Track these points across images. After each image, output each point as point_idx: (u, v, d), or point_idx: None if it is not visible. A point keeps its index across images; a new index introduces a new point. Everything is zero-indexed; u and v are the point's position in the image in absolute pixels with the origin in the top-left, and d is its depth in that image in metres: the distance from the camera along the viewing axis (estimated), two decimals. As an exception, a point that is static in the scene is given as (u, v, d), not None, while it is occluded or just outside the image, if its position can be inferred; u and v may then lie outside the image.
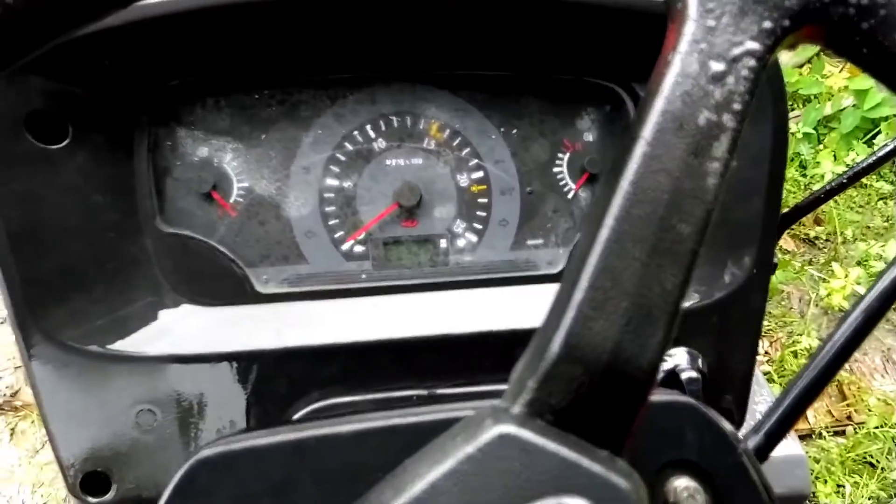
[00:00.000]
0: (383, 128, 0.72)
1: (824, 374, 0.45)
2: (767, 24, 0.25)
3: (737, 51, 0.24)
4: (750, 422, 0.79)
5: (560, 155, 0.75)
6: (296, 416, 0.64)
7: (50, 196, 0.60)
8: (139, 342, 0.62)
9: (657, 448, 0.38)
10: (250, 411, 0.65)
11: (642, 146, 0.24)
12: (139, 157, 0.66)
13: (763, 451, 0.46)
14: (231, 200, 0.70)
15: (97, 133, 0.62)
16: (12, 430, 2.11)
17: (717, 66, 0.24)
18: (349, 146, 0.72)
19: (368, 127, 0.72)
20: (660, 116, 0.24)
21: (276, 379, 0.65)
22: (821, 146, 2.76)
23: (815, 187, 2.58)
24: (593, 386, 0.24)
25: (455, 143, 0.73)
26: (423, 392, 0.66)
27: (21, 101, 0.56)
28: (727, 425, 0.39)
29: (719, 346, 0.69)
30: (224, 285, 0.69)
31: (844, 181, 0.69)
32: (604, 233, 0.24)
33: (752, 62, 0.24)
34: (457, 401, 0.66)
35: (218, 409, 0.64)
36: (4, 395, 2.11)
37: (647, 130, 0.24)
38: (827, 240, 2.62)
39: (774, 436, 0.46)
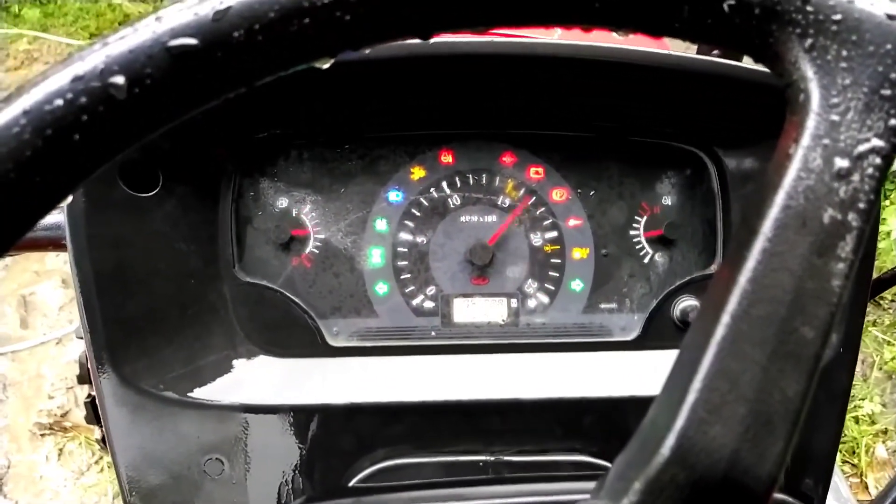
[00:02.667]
0: (459, 184, 0.73)
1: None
2: (894, 122, 0.23)
3: (862, 148, 0.23)
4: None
5: (637, 218, 0.73)
6: (361, 475, 0.63)
7: (138, 241, 0.62)
8: (213, 391, 0.62)
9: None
10: (315, 465, 0.64)
11: (762, 242, 0.23)
12: (223, 206, 0.67)
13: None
14: (307, 252, 0.71)
15: (185, 182, 0.64)
16: (60, 450, 2.15)
17: (841, 163, 0.23)
18: (424, 202, 0.72)
19: (444, 183, 0.72)
20: (781, 212, 0.23)
21: (342, 434, 0.64)
22: (886, 201, 2.66)
23: (881, 244, 2.48)
24: (706, 494, 0.22)
25: (530, 202, 0.73)
26: (490, 458, 0.65)
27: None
28: None
29: (802, 428, 0.65)
30: (296, 336, 0.69)
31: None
32: (720, 331, 0.23)
33: (877, 160, 0.23)
34: (524, 469, 0.65)
35: (283, 462, 0.64)
36: (55, 415, 2.16)
37: (768, 226, 0.23)
38: (893, 300, 2.51)
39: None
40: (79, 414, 2.13)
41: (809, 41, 0.24)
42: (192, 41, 0.24)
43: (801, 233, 0.23)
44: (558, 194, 0.73)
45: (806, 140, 0.23)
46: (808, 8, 0.24)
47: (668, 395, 0.24)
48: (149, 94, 0.24)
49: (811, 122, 0.24)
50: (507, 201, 0.73)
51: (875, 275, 0.72)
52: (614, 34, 0.32)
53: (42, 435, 2.18)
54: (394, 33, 0.27)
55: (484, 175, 0.73)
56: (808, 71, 0.25)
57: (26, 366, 2.31)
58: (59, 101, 0.22)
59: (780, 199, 0.23)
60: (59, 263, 2.43)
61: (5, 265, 2.46)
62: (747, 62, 0.66)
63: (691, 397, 0.22)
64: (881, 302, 2.53)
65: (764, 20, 0.25)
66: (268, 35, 0.24)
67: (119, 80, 0.23)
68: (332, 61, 0.28)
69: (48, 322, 2.39)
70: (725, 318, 0.22)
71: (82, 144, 0.23)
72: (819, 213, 0.23)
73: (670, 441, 0.22)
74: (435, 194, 0.72)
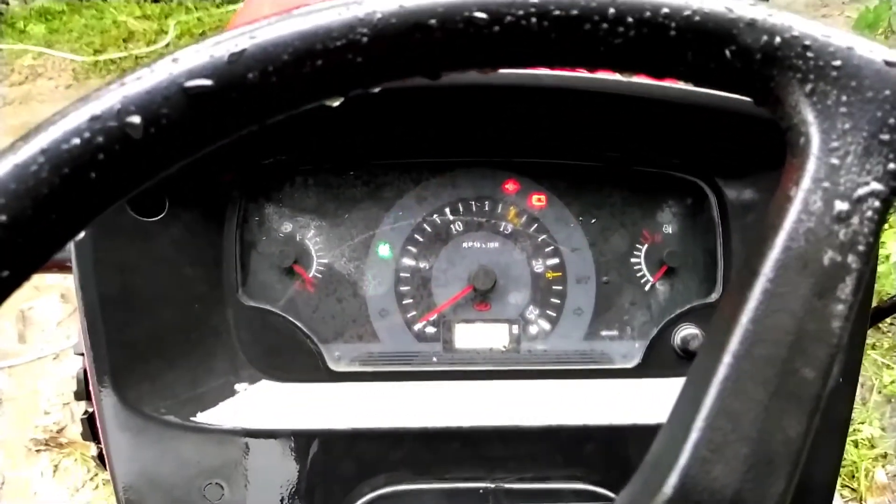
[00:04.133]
0: (462, 211, 0.73)
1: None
2: (893, 166, 0.24)
3: (862, 191, 0.24)
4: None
5: (639, 246, 0.74)
6: (361, 502, 0.63)
7: (143, 266, 0.62)
8: (215, 415, 0.62)
9: None
10: (315, 491, 0.64)
11: (764, 283, 0.23)
12: (228, 231, 0.68)
13: None
14: (310, 276, 0.71)
15: (191, 208, 0.65)
16: (56, 466, 2.13)
17: (841, 206, 0.23)
18: (428, 228, 0.73)
19: (448, 210, 0.73)
20: (782, 253, 0.23)
21: (342, 459, 0.64)
22: (885, 225, 2.67)
23: (881, 268, 2.49)
24: None
25: (532, 229, 0.74)
26: (491, 485, 0.65)
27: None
28: None
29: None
30: (298, 360, 0.69)
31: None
32: (722, 370, 0.23)
33: (876, 203, 0.24)
34: (525, 497, 0.64)
35: (283, 487, 0.63)
36: (51, 431, 2.15)
37: (769, 267, 0.23)
38: (892, 324, 2.51)
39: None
40: (75, 430, 2.11)
41: (810, 86, 0.25)
42: (208, 82, 0.24)
43: (802, 274, 0.23)
44: (560, 222, 0.74)
45: (806, 183, 0.24)
46: (809, 54, 0.25)
47: (671, 432, 0.25)
48: (164, 134, 0.24)
49: (811, 166, 0.24)
50: (510, 228, 0.73)
51: (875, 300, 0.72)
52: (617, 75, 0.33)
53: (38, 451, 2.16)
54: (403, 74, 0.28)
55: (487, 202, 0.73)
56: (809, 115, 0.25)
57: (23, 381, 2.30)
58: (77, 140, 0.23)
59: (781, 240, 0.23)
60: (59, 279, 2.43)
61: (5, 279, 2.45)
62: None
63: (694, 436, 0.22)
64: (881, 326, 2.53)
65: (765, 65, 0.25)
66: (281, 76, 0.25)
67: (136, 119, 0.23)
68: (342, 99, 0.29)
69: (46, 337, 2.39)
70: (728, 358, 0.23)
71: (98, 182, 0.24)
72: (819, 255, 0.23)
73: (673, 480, 0.22)
74: (438, 220, 0.73)
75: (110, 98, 0.24)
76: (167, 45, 3.26)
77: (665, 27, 0.25)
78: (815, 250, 0.23)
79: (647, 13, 0.25)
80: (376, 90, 0.28)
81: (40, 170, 0.22)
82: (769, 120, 0.63)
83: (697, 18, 0.25)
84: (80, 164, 0.23)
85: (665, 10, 0.25)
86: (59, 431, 2.18)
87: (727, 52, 0.25)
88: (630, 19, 0.25)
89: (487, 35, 0.25)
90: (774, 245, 0.23)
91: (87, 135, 0.23)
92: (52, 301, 2.42)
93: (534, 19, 0.25)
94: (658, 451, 0.25)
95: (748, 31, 0.25)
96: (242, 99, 0.25)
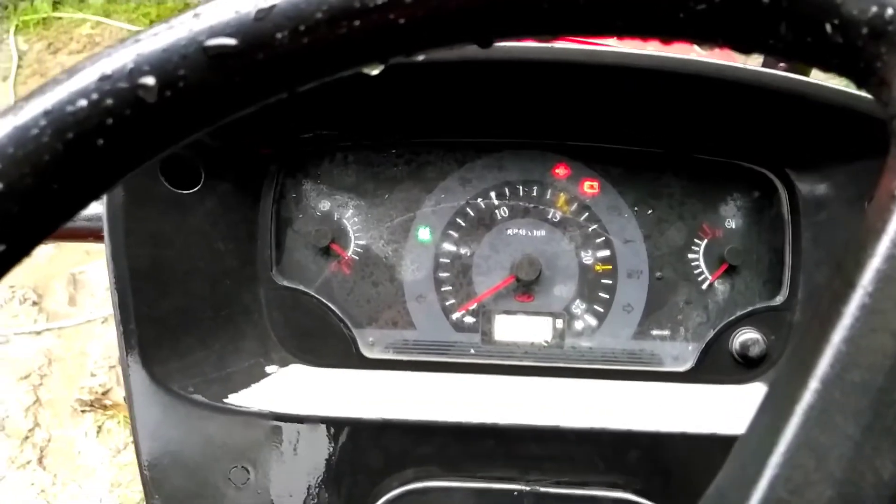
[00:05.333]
0: (508, 195, 0.69)
1: None
2: None
3: None
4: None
5: (697, 241, 0.69)
6: (389, 496, 0.60)
7: (177, 239, 0.60)
8: (243, 397, 0.61)
9: None
10: (342, 481, 0.62)
11: (862, 297, 0.20)
12: (264, 207, 0.66)
13: None
14: (346, 258, 0.68)
15: (227, 181, 0.62)
16: (99, 427, 2.20)
17: None
18: (471, 212, 0.69)
19: (493, 194, 0.69)
20: (885, 263, 0.20)
21: (371, 450, 0.62)
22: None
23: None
24: None
25: (582, 218, 0.69)
26: (525, 487, 0.61)
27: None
28: None
29: None
30: (330, 345, 0.67)
31: None
32: (807, 397, 0.20)
33: None
34: (561, 503, 0.61)
35: (310, 475, 0.61)
36: (96, 392, 2.21)
37: (868, 278, 0.20)
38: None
39: None
40: (119, 392, 2.17)
41: None
42: (232, 41, 0.21)
43: None
44: (613, 211, 0.69)
45: None
46: None
47: (740, 466, 0.21)
48: (181, 98, 0.21)
49: None
50: (559, 215, 0.69)
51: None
52: (696, 49, 0.29)
53: (83, 411, 2.23)
54: (451, 40, 0.24)
55: (535, 187, 0.69)
56: None
57: (71, 343, 2.37)
58: (84, 102, 0.20)
59: (883, 247, 0.20)
60: (109, 245, 2.49)
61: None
62: (817, 77, 0.61)
63: (770, 472, 0.19)
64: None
65: (872, 42, 0.22)
66: (314, 37, 0.22)
67: (149, 81, 0.21)
68: (382, 68, 0.25)
69: (95, 301, 2.45)
70: (814, 383, 0.20)
71: (106, 150, 0.21)
72: None
73: None
74: (482, 204, 0.69)
75: (123, 56, 0.21)
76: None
77: None
78: None
79: None
80: (420, 58, 0.25)
81: (42, 134, 0.20)
82: (850, 107, 0.56)
83: None
84: (87, 129, 0.21)
85: None
86: (105, 394, 2.24)
87: (828, 26, 0.22)
88: None
89: (548, 1, 0.22)
90: (876, 253, 0.20)
91: (95, 96, 0.21)
92: (103, 265, 2.48)
93: None
94: (724, 487, 0.22)
95: (854, 0, 0.21)
96: (270, 62, 0.22)
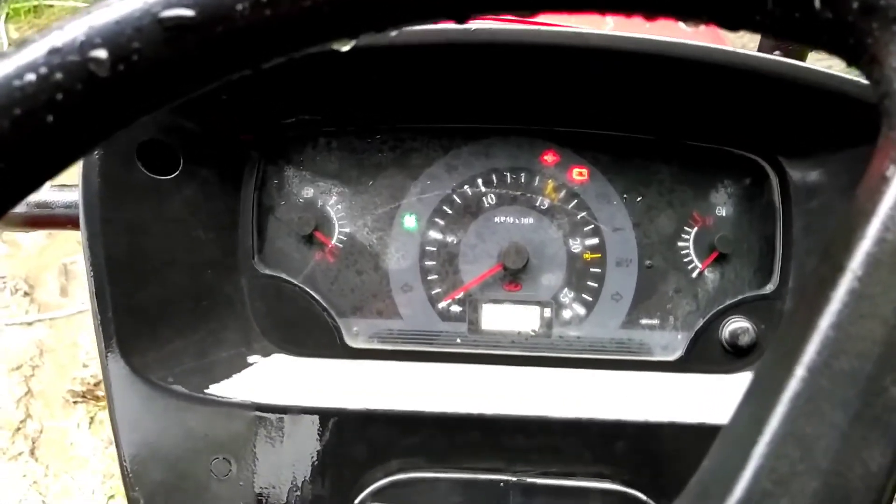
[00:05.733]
0: (495, 182, 0.68)
1: None
2: None
3: None
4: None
5: (687, 229, 0.68)
6: (373, 487, 0.59)
7: (155, 227, 0.59)
8: (225, 387, 0.60)
9: None
10: (326, 472, 0.61)
11: (850, 281, 0.19)
12: (245, 194, 0.64)
13: None
14: (330, 246, 0.67)
15: (207, 167, 0.61)
16: (91, 418, 2.19)
17: None
18: (457, 199, 0.68)
19: (480, 181, 0.68)
20: (875, 246, 0.19)
21: (356, 441, 0.61)
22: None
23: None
24: None
25: (571, 206, 0.68)
26: (512, 478, 0.60)
27: (134, 131, 0.55)
28: None
29: None
30: (314, 334, 0.66)
31: None
32: (793, 385, 0.19)
33: None
34: (548, 494, 0.60)
35: (293, 466, 0.60)
36: (88, 384, 2.20)
37: (858, 262, 0.19)
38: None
39: None
40: (112, 384, 2.16)
41: None
42: (189, 12, 0.20)
43: None
44: (602, 198, 0.68)
45: None
46: None
47: (724, 455, 0.21)
48: (135, 73, 0.20)
49: None
50: (547, 203, 0.68)
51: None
52: (681, 25, 0.27)
53: (75, 402, 2.22)
54: (424, 14, 0.23)
55: (523, 174, 0.68)
56: None
57: (63, 333, 2.36)
58: (31, 77, 0.19)
59: (873, 229, 0.19)
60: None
61: (49, 233, 2.51)
62: (813, 62, 0.60)
63: (754, 463, 0.19)
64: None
65: (863, 17, 0.21)
66: (277, 9, 0.21)
67: (101, 54, 0.20)
68: (353, 43, 0.24)
69: (87, 292, 2.44)
70: (801, 371, 0.19)
71: (57, 127, 0.20)
72: None
73: None
74: (469, 192, 0.68)
75: (74, 28, 0.20)
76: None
77: None
78: None
79: None
80: (393, 34, 0.24)
81: None
82: (843, 92, 0.55)
83: None
84: (35, 104, 0.20)
85: None
86: (97, 384, 2.23)
87: (816, 1, 0.21)
88: None
89: None
90: (865, 235, 0.20)
91: (44, 70, 0.20)
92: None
93: None
94: (708, 477, 0.21)
95: None
96: (230, 35, 0.21)
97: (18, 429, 2.14)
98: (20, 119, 0.20)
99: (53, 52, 0.20)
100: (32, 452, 2.12)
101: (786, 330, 0.21)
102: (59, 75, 0.19)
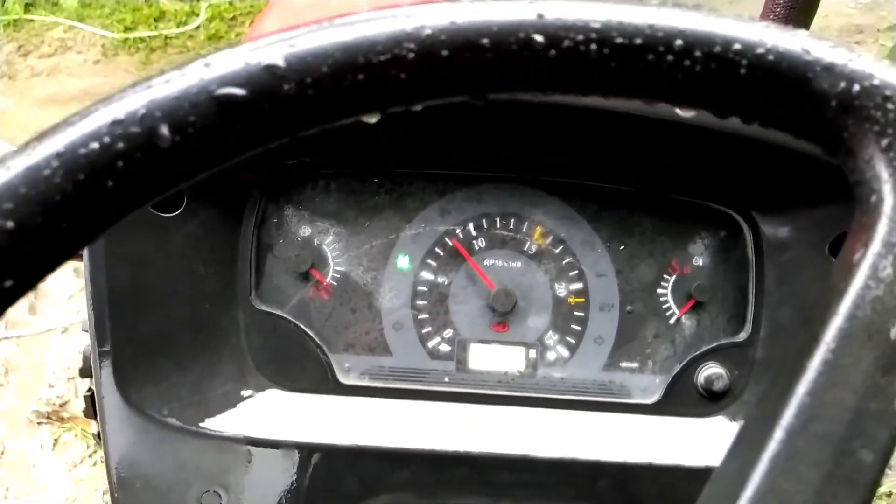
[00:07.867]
0: (486, 227, 0.71)
1: None
2: None
3: None
4: None
5: (667, 277, 0.71)
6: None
7: (157, 261, 0.60)
8: (218, 421, 0.61)
9: None
10: None
11: (825, 352, 0.21)
12: (245, 231, 0.66)
13: None
14: (325, 283, 0.69)
15: (209, 205, 0.63)
16: (56, 440, 2.14)
17: None
18: (449, 242, 0.70)
19: (471, 225, 0.71)
20: (846, 322, 0.21)
21: (346, 476, 0.62)
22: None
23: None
24: None
25: (557, 251, 0.71)
26: (496, 515, 0.62)
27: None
28: None
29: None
30: (307, 370, 0.67)
31: None
32: (773, 446, 0.21)
33: None
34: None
35: (283, 500, 0.61)
36: (54, 404, 2.15)
37: (831, 335, 0.21)
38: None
39: None
40: (78, 405, 2.11)
41: (887, 140, 0.23)
42: (240, 91, 0.22)
43: (866, 347, 0.21)
44: (587, 245, 0.71)
45: (876, 246, 0.22)
46: (889, 105, 0.23)
47: None
48: (189, 143, 0.22)
49: (883, 227, 0.22)
50: (534, 248, 0.71)
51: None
52: (676, 109, 0.31)
53: (39, 423, 2.16)
54: (447, 94, 0.26)
55: (512, 220, 0.71)
56: (884, 172, 0.23)
57: (30, 352, 2.30)
58: (96, 145, 0.21)
59: (845, 307, 0.22)
60: (73, 253, 2.43)
61: (20, 249, 2.45)
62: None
63: None
64: None
65: (839, 114, 0.23)
66: (319, 89, 0.23)
67: (161, 126, 0.22)
68: (380, 116, 0.27)
69: (56, 311, 2.39)
70: (780, 433, 0.21)
71: (115, 191, 0.22)
72: (886, 326, 0.21)
73: None
74: (461, 235, 0.70)
75: (135, 101, 0.22)
76: (197, 28, 3.26)
77: (735, 64, 0.23)
78: (882, 321, 0.21)
79: (717, 48, 0.23)
80: (417, 108, 0.27)
81: (54, 175, 0.21)
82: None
83: (771, 58, 0.23)
84: (97, 170, 0.21)
85: (737, 45, 0.23)
86: (62, 405, 2.18)
87: (799, 99, 0.23)
88: (698, 53, 0.23)
89: (542, 59, 0.23)
90: (838, 312, 0.22)
91: (107, 140, 0.21)
92: (65, 275, 2.42)
93: (594, 46, 0.23)
94: None
95: (825, 75, 0.23)
96: (276, 111, 0.23)
97: (-21, 449, 2.08)
98: (83, 183, 0.21)
99: (116, 123, 0.21)
100: (-7, 474, 2.05)
101: (769, 392, 0.23)
102: (120, 145, 0.21)
